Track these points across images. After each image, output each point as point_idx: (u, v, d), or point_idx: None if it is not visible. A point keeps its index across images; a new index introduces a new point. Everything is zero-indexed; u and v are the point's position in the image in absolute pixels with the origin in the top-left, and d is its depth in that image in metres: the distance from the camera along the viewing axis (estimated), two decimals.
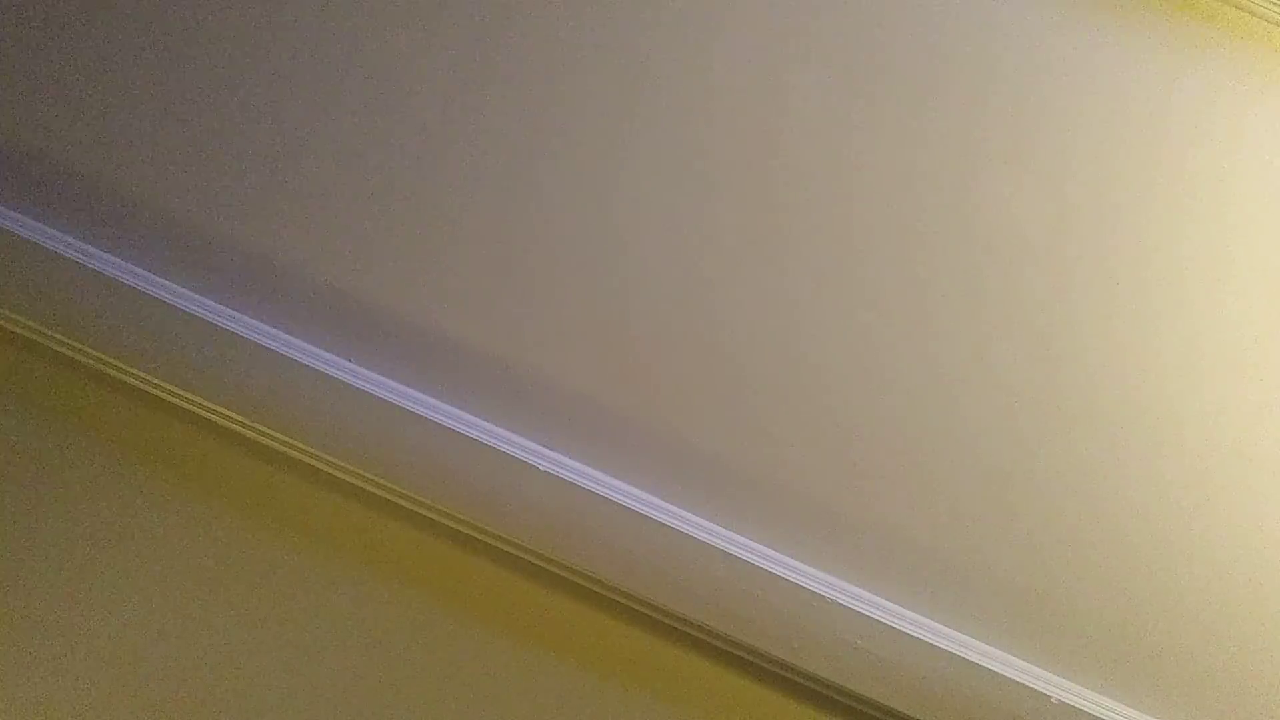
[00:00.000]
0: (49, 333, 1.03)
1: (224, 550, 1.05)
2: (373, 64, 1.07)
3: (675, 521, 1.01)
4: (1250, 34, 1.04)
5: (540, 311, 1.05)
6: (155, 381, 1.03)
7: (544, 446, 1.03)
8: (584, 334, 1.05)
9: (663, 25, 1.06)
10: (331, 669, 1.04)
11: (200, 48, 1.07)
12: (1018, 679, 0.99)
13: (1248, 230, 1.05)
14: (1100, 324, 1.04)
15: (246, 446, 1.04)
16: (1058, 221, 1.04)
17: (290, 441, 1.02)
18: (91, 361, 1.04)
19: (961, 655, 0.99)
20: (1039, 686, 0.99)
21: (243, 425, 1.03)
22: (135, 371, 1.03)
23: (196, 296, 1.04)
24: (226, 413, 1.02)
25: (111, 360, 1.03)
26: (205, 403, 1.03)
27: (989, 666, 0.99)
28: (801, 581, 1.00)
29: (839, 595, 1.00)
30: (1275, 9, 1.02)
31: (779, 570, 1.00)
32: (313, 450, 1.02)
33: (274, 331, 1.04)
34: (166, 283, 1.04)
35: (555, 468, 1.01)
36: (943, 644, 0.99)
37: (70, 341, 1.03)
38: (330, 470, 1.03)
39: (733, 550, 1.00)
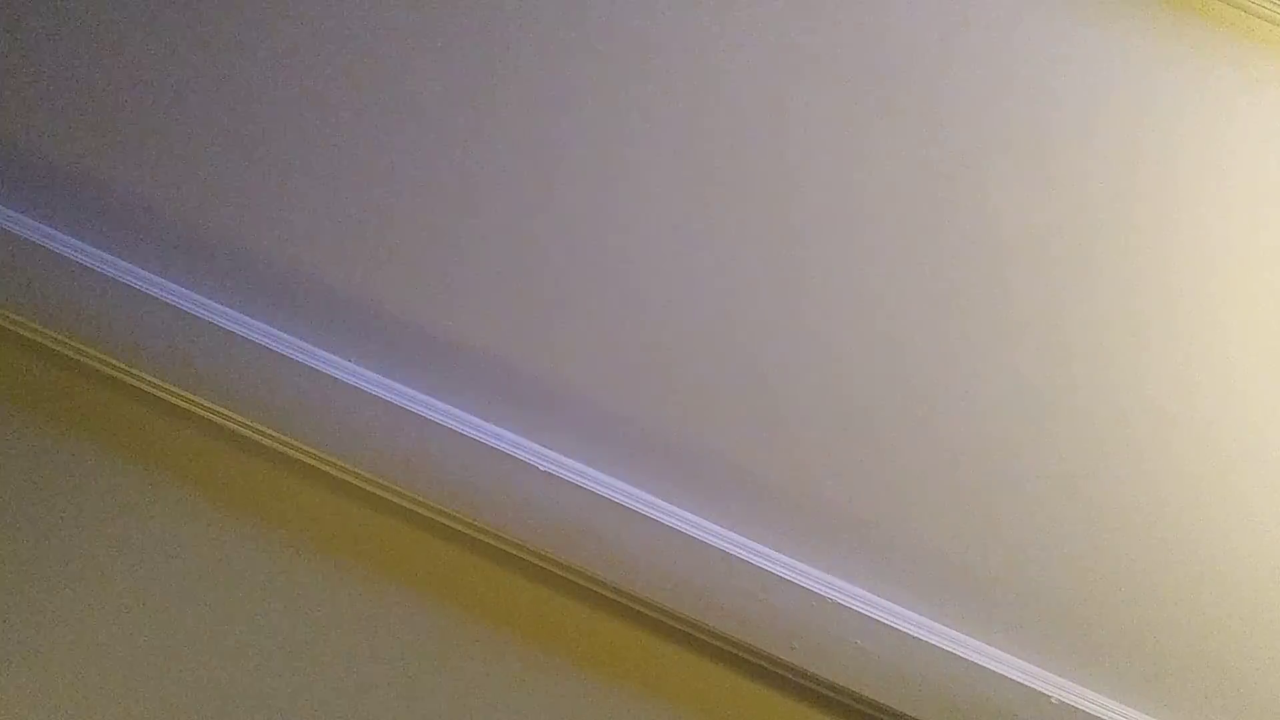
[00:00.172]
0: (49, 333, 1.03)
1: (224, 550, 1.05)
2: (376, 63, 1.07)
3: (675, 522, 1.01)
4: (1250, 33, 1.04)
5: (540, 312, 1.05)
6: (155, 381, 1.03)
7: (544, 446, 1.03)
8: (584, 334, 1.05)
9: (680, 28, 1.06)
10: (332, 669, 1.04)
11: (201, 47, 1.07)
12: (1018, 679, 0.99)
13: (1242, 230, 1.05)
14: (1099, 324, 1.04)
15: (247, 446, 1.04)
16: (1067, 223, 1.04)
17: (290, 441, 1.02)
18: (91, 361, 1.04)
19: (961, 655, 0.99)
20: (1039, 686, 0.99)
21: (243, 425, 1.03)
22: (135, 371, 1.03)
23: (196, 296, 1.04)
24: (226, 413, 1.02)
25: (111, 360, 1.03)
26: (205, 403, 1.03)
27: (989, 666, 0.99)
28: (801, 581, 1.00)
29: (839, 595, 1.00)
30: (1274, 9, 1.02)
31: (779, 570, 1.00)
32: (313, 450, 1.02)
33: (274, 332, 1.04)
34: (166, 283, 1.04)
35: (555, 468, 1.01)
36: (943, 644, 0.99)
37: (70, 341, 1.03)
38: (330, 470, 1.03)
39: (733, 550, 1.00)
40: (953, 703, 0.99)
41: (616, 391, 1.04)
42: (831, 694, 1.01)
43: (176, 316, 1.03)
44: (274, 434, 1.02)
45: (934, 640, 0.99)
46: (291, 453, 1.03)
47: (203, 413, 1.03)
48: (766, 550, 1.01)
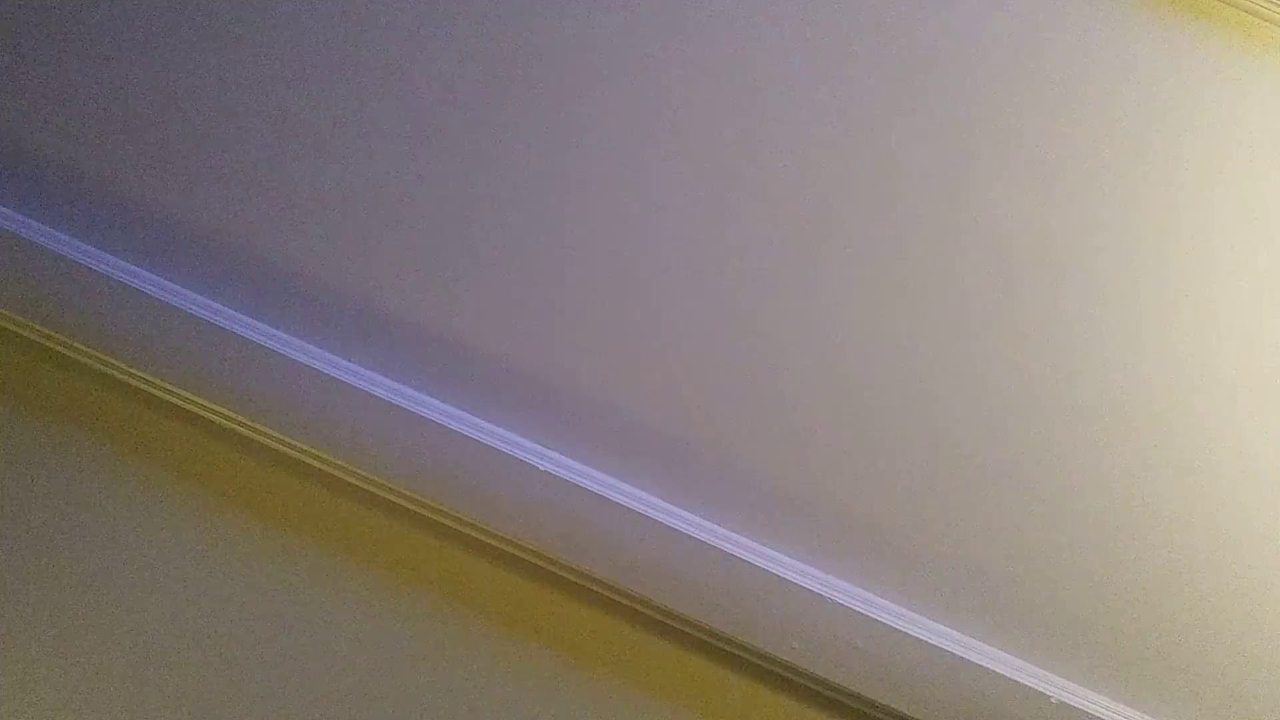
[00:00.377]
0: (49, 333, 1.03)
1: (224, 550, 1.05)
2: (377, 62, 1.07)
3: (675, 522, 1.01)
4: (1249, 33, 1.04)
5: (540, 311, 1.05)
6: (155, 381, 1.03)
7: (544, 446, 1.03)
8: (584, 334, 1.05)
9: (687, 29, 1.06)
10: (332, 669, 1.04)
11: (202, 47, 1.07)
12: (1018, 679, 0.99)
13: (1240, 230, 1.05)
14: (1101, 325, 1.04)
15: (246, 446, 1.04)
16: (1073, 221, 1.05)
17: (290, 441, 1.02)
18: (91, 361, 1.04)
19: (961, 655, 0.99)
20: (1039, 686, 0.99)
21: (243, 425, 1.03)
22: (135, 371, 1.03)
23: (196, 296, 1.04)
24: (226, 413, 1.02)
25: (111, 360, 1.03)
26: (205, 403, 1.03)
27: (989, 666, 0.99)
28: (801, 581, 1.00)
29: (839, 595, 1.00)
30: (1274, 9, 1.02)
31: (779, 570, 1.00)
32: (313, 450, 1.02)
33: (274, 331, 1.04)
34: (166, 283, 1.04)
35: (555, 468, 1.01)
36: (943, 644, 0.99)
37: (70, 341, 1.03)
38: (330, 470, 1.03)
39: (733, 550, 1.00)
40: (953, 703, 0.99)
41: (617, 391, 1.04)
42: (831, 694, 1.01)
43: (177, 316, 1.03)
44: (274, 434, 1.02)
45: (934, 640, 0.99)
46: (291, 453, 1.03)
47: (203, 413, 1.03)
48: (767, 550, 1.01)
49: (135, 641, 1.04)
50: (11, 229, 1.04)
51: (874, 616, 1.00)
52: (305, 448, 1.02)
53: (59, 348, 1.04)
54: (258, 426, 1.02)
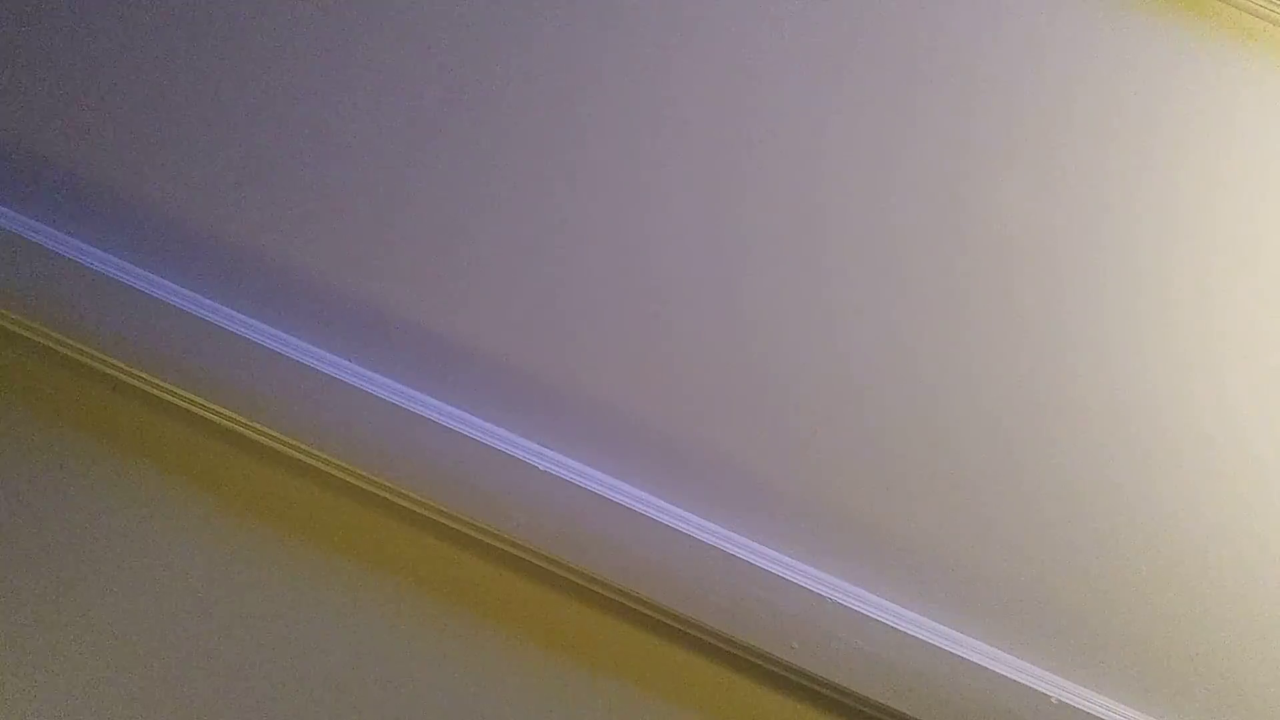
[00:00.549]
0: (49, 332, 1.03)
1: (224, 550, 1.05)
2: (377, 61, 1.07)
3: (675, 521, 1.01)
4: (1249, 33, 1.04)
5: (540, 311, 1.05)
6: (155, 381, 1.03)
7: (544, 446, 1.03)
8: (584, 334, 1.05)
9: (693, 30, 1.06)
10: (331, 669, 1.04)
11: (202, 47, 1.07)
12: (1018, 679, 0.99)
13: (1240, 229, 1.05)
14: (1101, 325, 1.04)
15: (246, 446, 1.04)
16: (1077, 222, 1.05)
17: (290, 441, 1.02)
18: (92, 361, 1.04)
19: (961, 655, 0.99)
20: (1039, 686, 0.99)
21: (243, 425, 1.03)
22: (135, 371, 1.03)
23: (196, 296, 1.04)
24: (226, 413, 1.02)
25: (112, 360, 1.03)
26: (205, 403, 1.03)
27: (989, 666, 0.99)
28: (801, 581, 1.00)
29: (839, 595, 1.00)
30: (1274, 9, 1.02)
31: (779, 570, 1.00)
32: (313, 450, 1.02)
33: (274, 331, 1.04)
34: (166, 283, 1.04)
35: (555, 468, 1.01)
36: (943, 644, 0.99)
37: (70, 341, 1.03)
38: (330, 470, 1.03)
39: (733, 550, 1.00)
40: (953, 703, 0.98)
41: (617, 391, 1.04)
42: (831, 694, 1.01)
43: (177, 316, 1.03)
44: (274, 434, 1.02)
45: (934, 640, 0.99)
46: (291, 453, 1.03)
47: (203, 413, 1.03)
48: (766, 550, 1.01)
49: (134, 641, 1.04)
50: (11, 229, 1.04)
51: (874, 616, 1.00)
52: (305, 448, 1.02)
53: (59, 348, 1.04)
54: (258, 426, 1.02)
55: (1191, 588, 1.02)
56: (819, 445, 1.04)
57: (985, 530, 1.03)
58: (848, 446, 1.04)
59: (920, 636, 0.99)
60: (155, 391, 1.03)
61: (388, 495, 1.02)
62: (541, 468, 1.01)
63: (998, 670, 0.99)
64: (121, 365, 1.03)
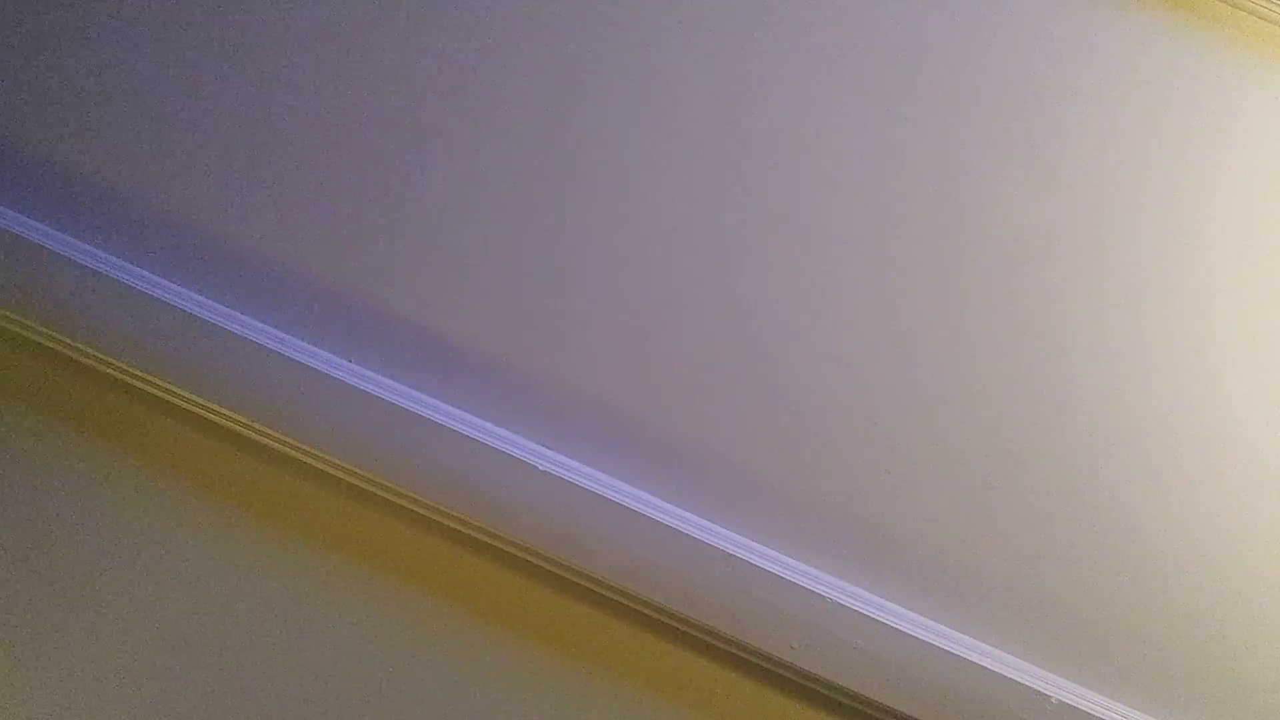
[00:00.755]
0: (49, 332, 1.03)
1: (224, 550, 1.05)
2: (377, 61, 1.07)
3: (675, 521, 1.01)
4: (1249, 33, 1.04)
5: (540, 311, 1.05)
6: (155, 381, 1.03)
7: (544, 446, 1.03)
8: (584, 334, 1.05)
9: (694, 30, 1.06)
10: (332, 669, 1.04)
11: (202, 47, 1.07)
12: (1018, 679, 0.99)
13: (1240, 229, 1.05)
14: (1101, 324, 1.04)
15: (246, 446, 1.04)
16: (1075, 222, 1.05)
17: (290, 441, 1.02)
18: (91, 361, 1.04)
19: (961, 655, 0.99)
20: (1039, 686, 0.99)
21: (243, 425, 1.03)
22: (135, 371, 1.03)
23: (196, 296, 1.04)
24: (226, 413, 1.02)
25: (112, 360, 1.03)
26: (205, 403, 1.03)
27: (989, 666, 0.99)
28: (801, 581, 1.00)
29: (839, 595, 1.00)
30: (1274, 9, 1.02)
31: (779, 570, 1.00)
32: (313, 450, 1.02)
33: (274, 331, 1.04)
34: (166, 283, 1.04)
35: (555, 468, 1.01)
36: (943, 644, 0.99)
37: (70, 341, 1.03)
38: (330, 470, 1.03)
39: (733, 550, 1.00)
40: (953, 703, 0.98)
41: (617, 391, 1.04)
42: (831, 694, 1.01)
43: (177, 316, 1.03)
44: (274, 434, 1.02)
45: (934, 640, 0.99)
46: (291, 453, 1.03)
47: (203, 413, 1.03)
48: (766, 550, 1.01)
49: (134, 640, 1.04)
50: (11, 229, 1.04)
51: (874, 616, 1.00)
52: (305, 448, 1.02)
53: (59, 348, 1.04)
54: (258, 426, 1.02)
55: (1191, 588, 1.02)
56: (819, 445, 1.04)
57: (985, 530, 1.03)
58: (848, 446, 1.04)
59: (920, 636, 0.99)
60: (155, 391, 1.03)
61: (388, 495, 1.03)
62: (541, 468, 1.01)
63: (998, 670, 0.99)
64: (121, 365, 1.03)
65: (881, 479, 1.03)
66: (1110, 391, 1.04)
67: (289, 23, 1.07)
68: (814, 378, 1.04)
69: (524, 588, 1.03)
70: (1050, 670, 1.01)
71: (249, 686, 1.04)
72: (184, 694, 1.03)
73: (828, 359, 1.04)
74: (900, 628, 1.00)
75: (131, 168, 1.07)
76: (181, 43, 1.07)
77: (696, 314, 1.05)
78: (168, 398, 1.03)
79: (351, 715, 1.03)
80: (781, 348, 1.05)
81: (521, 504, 1.00)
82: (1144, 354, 1.04)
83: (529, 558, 1.02)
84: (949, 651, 0.99)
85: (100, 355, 1.03)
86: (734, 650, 1.01)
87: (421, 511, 1.02)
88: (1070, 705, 0.99)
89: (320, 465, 1.03)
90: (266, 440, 1.03)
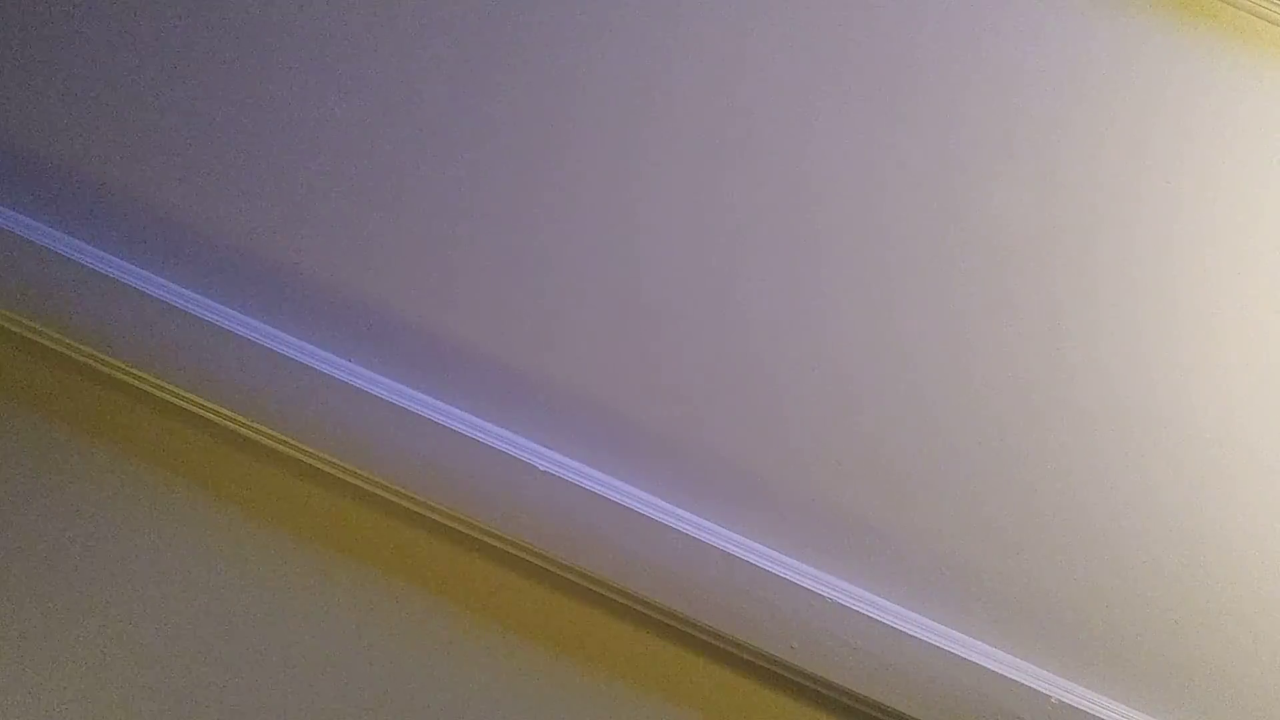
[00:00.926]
0: (49, 332, 1.03)
1: (223, 550, 1.05)
2: (375, 60, 1.07)
3: (675, 521, 1.01)
4: (1249, 33, 1.04)
5: (540, 311, 1.05)
6: (155, 381, 1.03)
7: (544, 446, 1.03)
8: (583, 334, 1.05)
9: (690, 28, 1.06)
10: (331, 668, 1.04)
11: (201, 47, 1.07)
12: (1018, 679, 0.99)
13: (1240, 229, 1.05)
14: (1100, 324, 1.04)
15: (246, 446, 1.04)
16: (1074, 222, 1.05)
17: (290, 441, 1.02)
18: (92, 361, 1.04)
19: (961, 655, 0.99)
20: (1039, 686, 0.99)
21: (242, 425, 1.03)
22: (135, 371, 1.03)
23: (196, 296, 1.04)
24: (226, 412, 1.02)
25: (111, 360, 1.03)
26: (205, 403, 1.03)
27: (989, 666, 0.99)
28: (801, 581, 1.00)
29: (839, 595, 1.00)
30: (1274, 9, 1.02)
31: (779, 570, 1.00)
32: (313, 450, 1.02)
33: (274, 331, 1.04)
34: (166, 282, 1.04)
35: (555, 468, 1.01)
36: (943, 644, 0.99)
37: (70, 341, 1.03)
38: (330, 470, 1.03)
39: (733, 550, 1.00)
40: (953, 703, 0.98)
41: (617, 391, 1.04)
42: (831, 694, 1.01)
43: (176, 316, 1.03)
44: (274, 434, 1.02)
45: (934, 640, 0.99)
46: (291, 453, 1.03)
47: (203, 413, 1.03)
48: (766, 550, 1.01)
49: (134, 640, 1.04)
50: (11, 229, 1.04)
51: (874, 616, 1.00)
52: (305, 448, 1.02)
53: (59, 348, 1.04)
54: (258, 426, 1.02)
55: (1191, 588, 1.02)
56: (819, 445, 1.04)
57: (985, 530, 1.03)
58: (847, 446, 1.04)
59: (920, 636, 0.99)
60: (155, 391, 1.03)
61: (388, 495, 1.03)
62: (541, 468, 1.01)
63: (998, 670, 0.99)
64: (121, 365, 1.03)
65: (881, 479, 1.03)
66: (1109, 391, 1.04)
67: (289, 22, 1.07)
68: (813, 377, 1.04)
69: (524, 588, 1.03)
70: (1050, 670, 1.01)
71: (249, 686, 1.03)
72: (184, 693, 1.03)
73: (827, 358, 1.04)
74: (900, 628, 1.00)
75: (131, 167, 1.07)
76: (181, 42, 1.07)
77: (697, 314, 1.05)
78: (167, 397, 1.03)
79: (351, 715, 1.03)
80: (780, 347, 1.05)
81: (521, 504, 1.00)
82: (1142, 354, 1.04)
83: (529, 558, 1.02)
84: (949, 651, 0.99)
85: (100, 355, 1.03)
86: (734, 650, 1.01)
87: (421, 511, 1.02)
88: (1070, 705, 0.99)
89: (320, 465, 1.03)
90: (266, 440, 1.03)
